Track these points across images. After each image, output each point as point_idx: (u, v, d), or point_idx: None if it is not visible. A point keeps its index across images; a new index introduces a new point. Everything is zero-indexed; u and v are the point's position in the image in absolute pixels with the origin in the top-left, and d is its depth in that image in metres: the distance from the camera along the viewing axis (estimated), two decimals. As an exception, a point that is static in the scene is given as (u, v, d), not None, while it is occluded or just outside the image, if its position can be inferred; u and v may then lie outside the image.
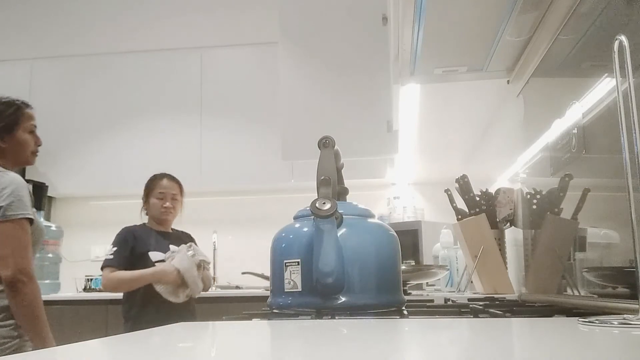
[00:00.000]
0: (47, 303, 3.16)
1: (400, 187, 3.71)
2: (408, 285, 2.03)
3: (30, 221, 1.70)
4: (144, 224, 2.58)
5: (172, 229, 2.62)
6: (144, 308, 2.37)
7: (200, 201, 3.71)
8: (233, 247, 3.70)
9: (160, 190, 2.54)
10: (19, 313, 1.66)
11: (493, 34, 1.64)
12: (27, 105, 1.89)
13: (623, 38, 0.74)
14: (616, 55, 0.75)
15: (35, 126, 1.90)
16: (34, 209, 1.78)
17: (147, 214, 2.59)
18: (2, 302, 1.68)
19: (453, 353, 0.52)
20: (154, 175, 2.62)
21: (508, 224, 1.98)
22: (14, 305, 1.65)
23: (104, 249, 3.99)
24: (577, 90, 1.23)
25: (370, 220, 1.02)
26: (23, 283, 1.63)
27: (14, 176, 1.71)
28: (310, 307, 0.94)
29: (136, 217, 2.58)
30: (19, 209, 1.66)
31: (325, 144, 1.02)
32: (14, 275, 1.62)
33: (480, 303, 1.18)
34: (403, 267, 1.85)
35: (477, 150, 2.81)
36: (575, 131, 1.22)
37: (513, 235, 1.99)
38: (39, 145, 1.91)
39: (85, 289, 3.52)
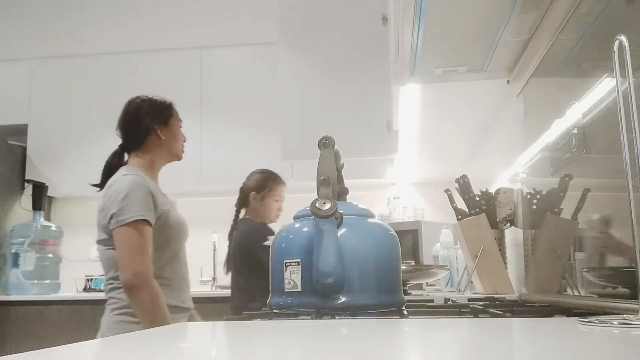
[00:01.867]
0: (47, 303, 3.19)
1: (400, 187, 3.70)
2: (408, 285, 2.03)
3: (149, 222, 1.69)
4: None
5: None
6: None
7: (200, 201, 3.71)
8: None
9: (280, 194, 2.58)
10: (138, 316, 1.67)
11: (493, 34, 1.64)
12: (173, 104, 1.95)
13: (623, 38, 0.74)
14: (616, 55, 0.75)
15: (181, 122, 1.96)
16: (168, 207, 1.78)
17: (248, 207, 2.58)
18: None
19: (453, 353, 0.52)
20: (277, 176, 2.63)
21: (508, 224, 1.98)
22: (134, 308, 1.67)
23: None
24: (577, 90, 1.23)
25: (370, 220, 1.02)
26: (139, 287, 1.63)
27: (130, 179, 1.71)
28: (310, 307, 0.94)
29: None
30: (131, 211, 1.65)
31: (325, 144, 1.02)
32: (130, 279, 1.63)
33: (480, 303, 1.18)
34: (403, 267, 1.85)
35: (477, 150, 2.81)
36: (575, 131, 1.22)
37: (513, 235, 1.99)
38: (185, 141, 1.96)
39: (85, 289, 3.52)
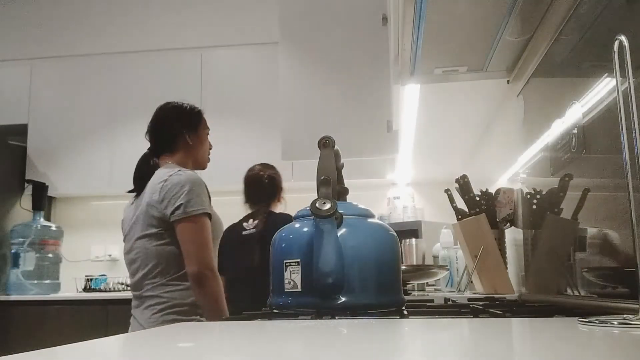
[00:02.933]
0: (47, 303, 3.19)
1: (400, 187, 3.71)
2: (409, 285, 2.03)
3: (209, 216, 1.74)
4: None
5: None
6: None
7: (200, 201, 3.70)
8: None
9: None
10: (205, 306, 1.70)
11: (493, 34, 1.64)
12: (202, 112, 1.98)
13: (623, 38, 0.74)
14: (616, 55, 0.75)
15: (209, 130, 1.99)
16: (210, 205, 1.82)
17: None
18: (190, 298, 1.71)
19: (453, 353, 0.52)
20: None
21: (508, 224, 1.98)
22: (201, 299, 1.69)
23: (104, 248, 4.00)
24: (577, 90, 1.23)
25: (370, 220, 1.02)
26: (207, 278, 1.67)
27: (190, 174, 1.75)
28: (310, 307, 0.94)
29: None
30: (198, 204, 1.69)
31: (325, 144, 1.02)
32: (200, 270, 1.66)
33: (480, 303, 1.18)
34: (403, 267, 1.85)
35: (477, 150, 2.81)
36: (575, 131, 1.22)
37: (513, 235, 1.99)
38: (210, 149, 1.98)
39: (85, 289, 3.52)
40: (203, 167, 1.97)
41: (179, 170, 1.76)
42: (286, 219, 2.47)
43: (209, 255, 1.69)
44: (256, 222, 2.51)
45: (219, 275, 1.72)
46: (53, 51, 3.82)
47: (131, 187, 1.87)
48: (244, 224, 2.57)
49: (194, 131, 1.91)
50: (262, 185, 2.62)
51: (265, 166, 2.70)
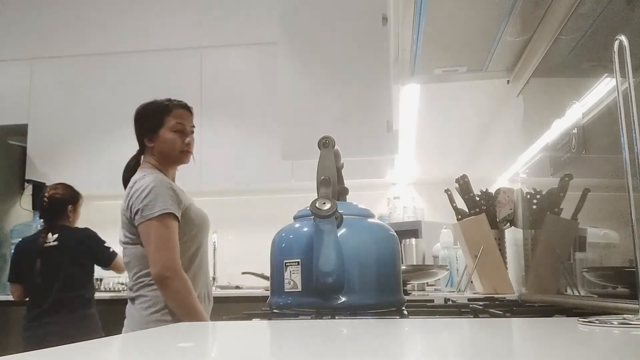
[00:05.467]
0: (47, 303, 3.18)
1: (400, 187, 3.70)
2: (409, 285, 2.03)
3: (173, 216, 1.72)
4: None
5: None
6: None
7: (200, 201, 3.69)
8: (233, 247, 3.69)
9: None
10: (174, 308, 1.70)
11: (493, 34, 1.64)
12: (175, 105, 1.92)
13: (623, 38, 0.74)
14: (616, 55, 0.75)
15: (182, 124, 1.91)
16: (190, 202, 1.84)
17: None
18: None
19: (453, 353, 0.52)
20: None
21: (508, 224, 1.98)
22: (168, 301, 1.70)
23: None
24: (577, 90, 1.23)
25: (370, 220, 1.02)
26: (170, 279, 1.67)
27: (151, 177, 1.76)
28: (310, 307, 0.94)
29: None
30: (156, 207, 1.69)
31: (325, 144, 1.02)
32: (160, 272, 1.66)
33: (480, 303, 1.18)
34: (403, 267, 1.85)
35: (477, 150, 2.81)
36: (575, 131, 1.22)
37: (513, 235, 1.99)
38: (188, 144, 1.90)
39: (85, 289, 3.51)
40: (181, 162, 1.91)
41: (144, 174, 1.78)
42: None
43: (168, 256, 1.68)
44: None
45: (185, 275, 1.71)
46: (53, 51, 3.81)
47: None
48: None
49: (152, 132, 1.87)
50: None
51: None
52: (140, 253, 1.74)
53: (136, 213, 1.71)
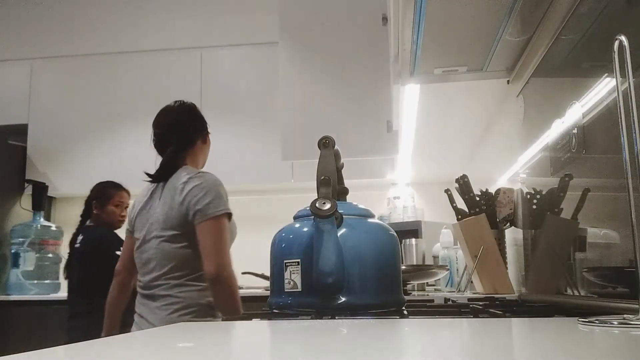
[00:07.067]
0: (47, 303, 3.18)
1: (400, 187, 3.70)
2: (409, 285, 2.03)
3: (229, 216, 1.76)
4: None
5: None
6: None
7: (200, 201, 3.70)
8: (233, 247, 3.69)
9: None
10: (221, 305, 1.72)
11: (493, 34, 1.64)
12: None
13: (623, 38, 0.74)
14: (616, 55, 0.75)
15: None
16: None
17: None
18: (205, 299, 1.74)
19: (453, 353, 0.52)
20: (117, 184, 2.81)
21: (508, 224, 1.98)
22: (218, 299, 1.72)
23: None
24: (577, 90, 1.23)
25: (370, 220, 1.02)
26: (225, 278, 1.69)
27: (211, 176, 1.78)
28: (310, 307, 0.94)
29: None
30: (219, 205, 1.72)
31: (325, 144, 1.02)
32: (218, 272, 1.67)
33: (480, 303, 1.18)
34: (403, 267, 1.85)
35: (477, 150, 2.81)
36: (575, 131, 1.22)
37: (513, 235, 1.99)
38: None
39: (85, 289, 3.51)
40: (202, 167, 1.98)
41: (198, 172, 1.79)
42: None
43: (226, 257, 1.72)
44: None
45: (235, 278, 1.75)
46: (53, 51, 3.81)
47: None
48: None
49: (207, 132, 1.97)
50: None
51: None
52: (181, 253, 1.72)
53: (199, 210, 1.69)
